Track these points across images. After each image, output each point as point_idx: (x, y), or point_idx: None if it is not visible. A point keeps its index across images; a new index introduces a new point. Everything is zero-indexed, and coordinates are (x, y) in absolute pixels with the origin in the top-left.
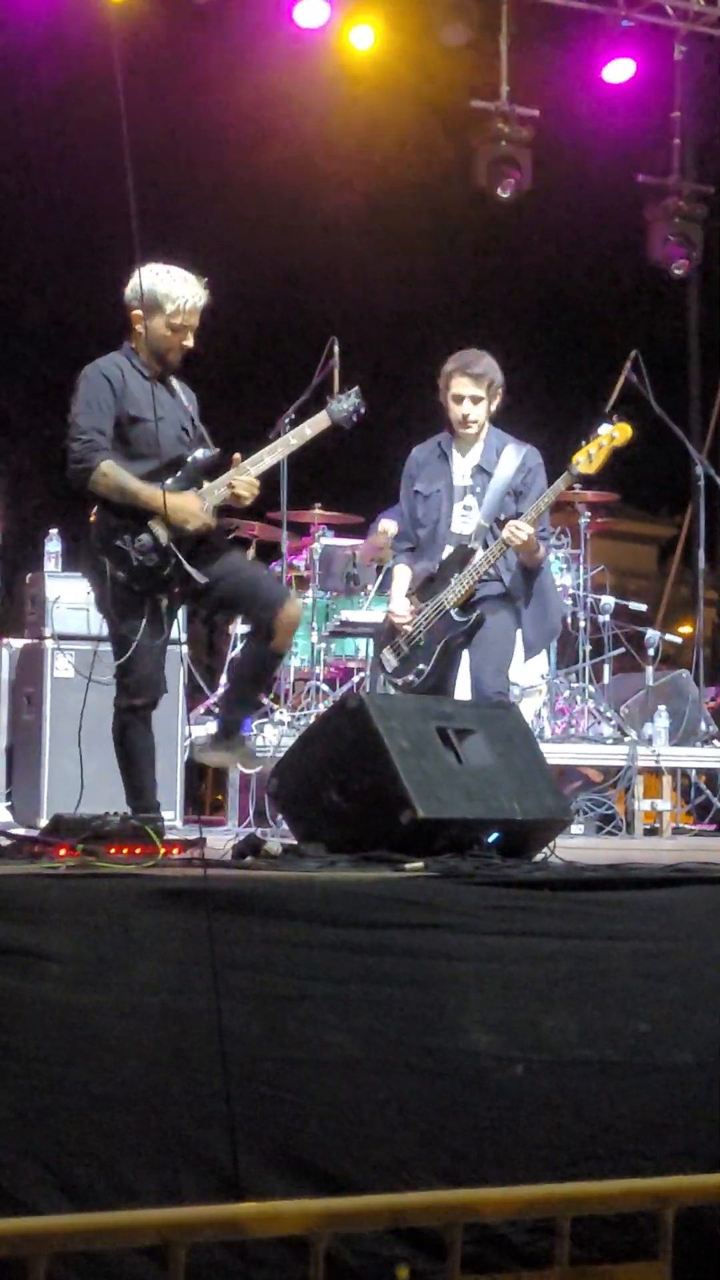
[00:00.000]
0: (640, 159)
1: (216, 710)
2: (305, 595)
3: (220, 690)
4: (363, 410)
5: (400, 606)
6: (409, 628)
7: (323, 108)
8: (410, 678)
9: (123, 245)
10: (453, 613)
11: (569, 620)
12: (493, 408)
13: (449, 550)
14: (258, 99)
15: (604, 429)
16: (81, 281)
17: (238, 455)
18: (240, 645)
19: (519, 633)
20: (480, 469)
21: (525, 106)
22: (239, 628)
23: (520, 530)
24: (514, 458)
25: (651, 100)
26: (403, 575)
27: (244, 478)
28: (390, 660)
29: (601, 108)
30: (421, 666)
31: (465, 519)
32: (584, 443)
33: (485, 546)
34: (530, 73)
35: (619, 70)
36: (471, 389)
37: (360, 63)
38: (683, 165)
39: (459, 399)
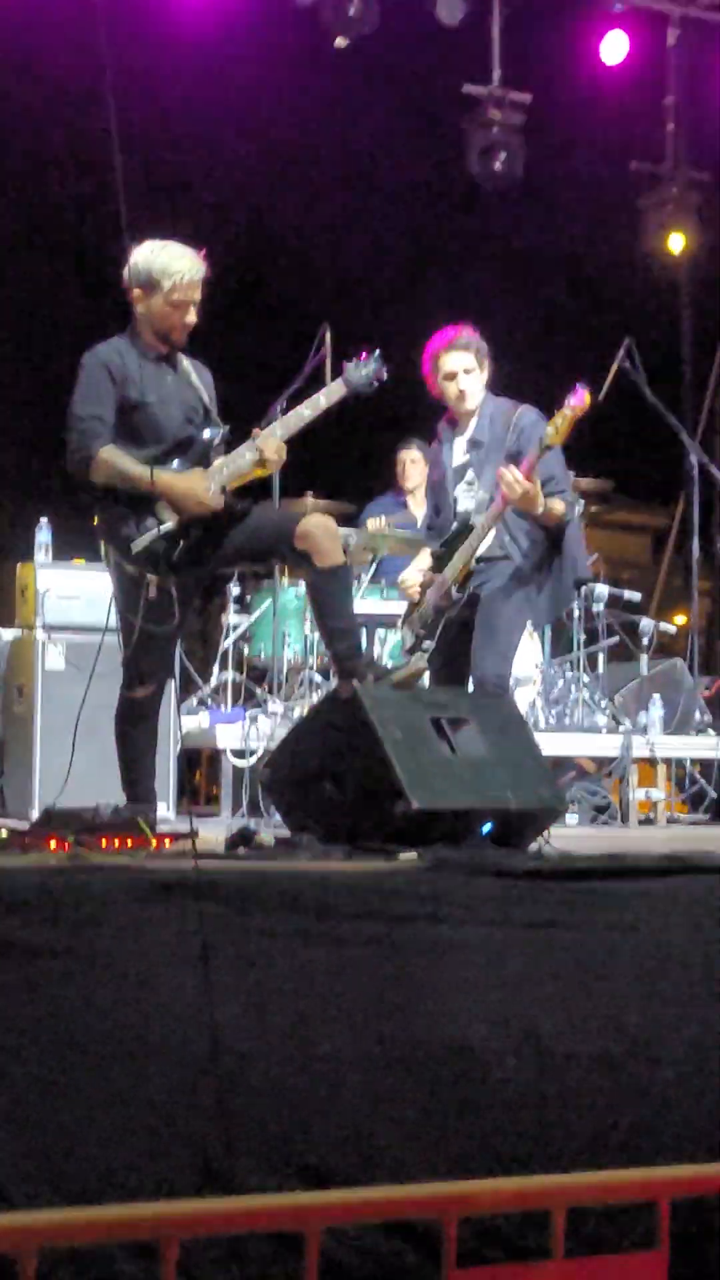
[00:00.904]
0: (633, 145)
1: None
2: (297, 584)
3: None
4: (384, 375)
5: (410, 575)
6: (414, 593)
7: (315, 90)
8: (420, 653)
9: (113, 225)
10: (453, 589)
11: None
12: (485, 377)
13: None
14: (248, 79)
15: (568, 401)
16: (76, 264)
17: (258, 429)
18: (239, 636)
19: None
20: (474, 442)
21: (517, 91)
22: (232, 618)
23: (515, 480)
24: (506, 421)
25: (645, 86)
26: (424, 556)
27: (273, 440)
28: (408, 637)
29: (594, 93)
30: (428, 644)
31: (470, 495)
32: (551, 415)
33: None
34: (523, 58)
35: (614, 47)
36: (462, 361)
37: (353, 44)
38: (676, 151)
39: (451, 376)
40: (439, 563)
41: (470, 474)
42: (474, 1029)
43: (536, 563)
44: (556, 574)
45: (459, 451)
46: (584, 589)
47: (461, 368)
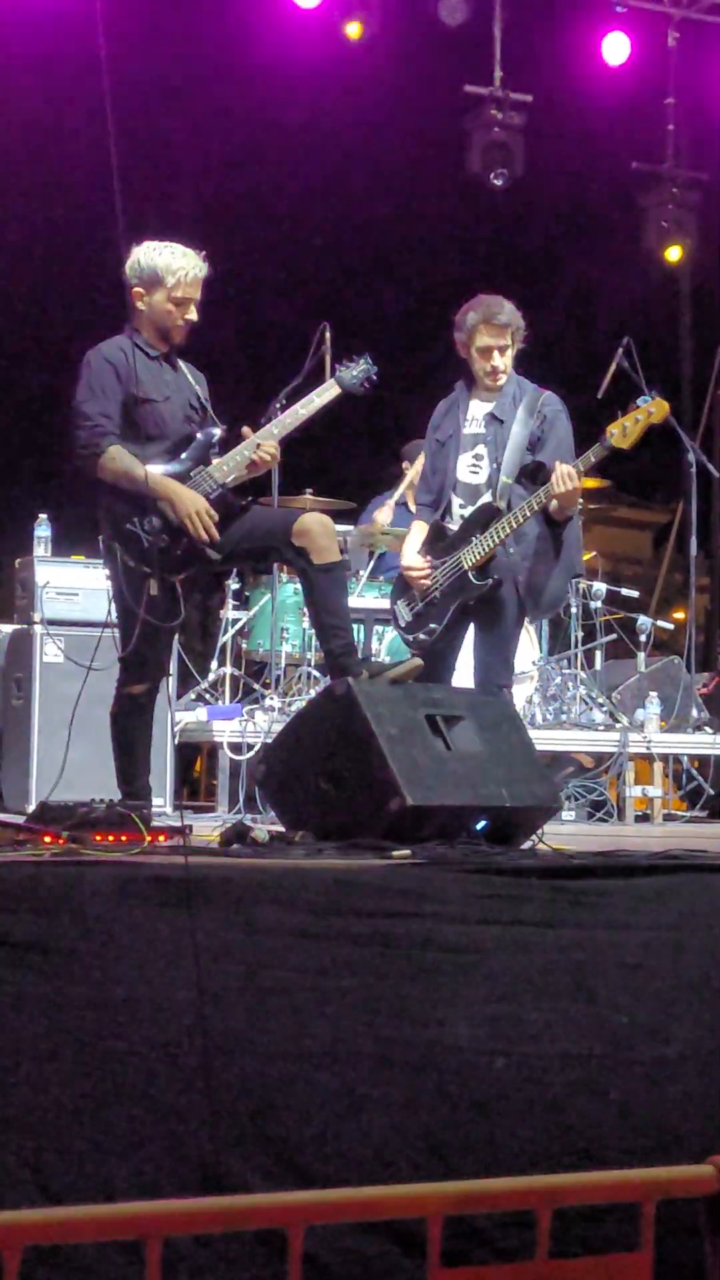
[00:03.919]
0: (634, 145)
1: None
2: (295, 580)
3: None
4: (375, 377)
5: (414, 560)
6: (425, 582)
7: (316, 90)
8: (421, 635)
9: (114, 223)
10: (470, 575)
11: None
12: (514, 354)
13: (457, 501)
14: (252, 81)
15: (642, 402)
16: (73, 263)
17: (247, 429)
18: (238, 630)
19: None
20: (494, 417)
21: (519, 92)
22: (231, 613)
23: (572, 476)
24: (531, 406)
25: (645, 87)
26: (418, 530)
27: (270, 443)
28: (404, 614)
29: (595, 94)
30: (434, 625)
31: (475, 470)
32: (620, 414)
33: (509, 506)
34: (524, 58)
35: (615, 48)
36: (498, 339)
37: (355, 45)
38: (676, 152)
39: (486, 351)
40: (448, 541)
41: (481, 448)
42: (463, 1028)
43: (535, 557)
44: (553, 571)
45: (474, 419)
46: (581, 586)
47: (497, 344)
